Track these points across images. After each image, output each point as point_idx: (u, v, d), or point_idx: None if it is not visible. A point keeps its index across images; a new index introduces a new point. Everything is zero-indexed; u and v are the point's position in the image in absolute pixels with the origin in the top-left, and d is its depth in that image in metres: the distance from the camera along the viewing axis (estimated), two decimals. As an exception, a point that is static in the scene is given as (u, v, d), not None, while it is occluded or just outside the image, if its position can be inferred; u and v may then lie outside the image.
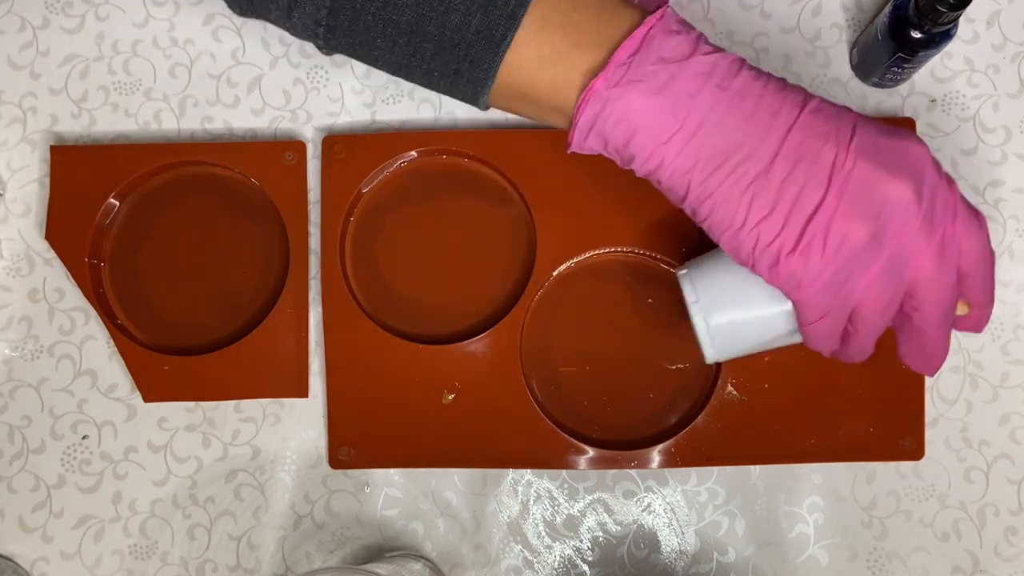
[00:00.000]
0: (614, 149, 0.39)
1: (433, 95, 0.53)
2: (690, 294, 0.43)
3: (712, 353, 0.44)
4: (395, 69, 0.41)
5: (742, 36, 0.53)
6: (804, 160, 0.37)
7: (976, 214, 0.39)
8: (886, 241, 0.37)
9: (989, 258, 0.40)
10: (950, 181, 0.38)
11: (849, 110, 0.38)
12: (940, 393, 0.50)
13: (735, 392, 0.50)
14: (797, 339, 0.42)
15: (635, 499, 0.50)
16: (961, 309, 0.41)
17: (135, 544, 0.50)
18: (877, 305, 0.38)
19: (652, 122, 0.37)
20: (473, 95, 0.40)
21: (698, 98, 0.37)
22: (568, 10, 0.38)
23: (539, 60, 0.38)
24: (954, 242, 0.38)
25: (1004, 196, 0.52)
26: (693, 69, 0.37)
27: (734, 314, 0.43)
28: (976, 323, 0.42)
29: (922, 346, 0.41)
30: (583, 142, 0.39)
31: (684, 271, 0.44)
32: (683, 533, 0.50)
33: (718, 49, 0.38)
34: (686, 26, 0.38)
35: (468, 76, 0.39)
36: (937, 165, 0.38)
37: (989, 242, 0.40)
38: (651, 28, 0.37)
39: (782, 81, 0.38)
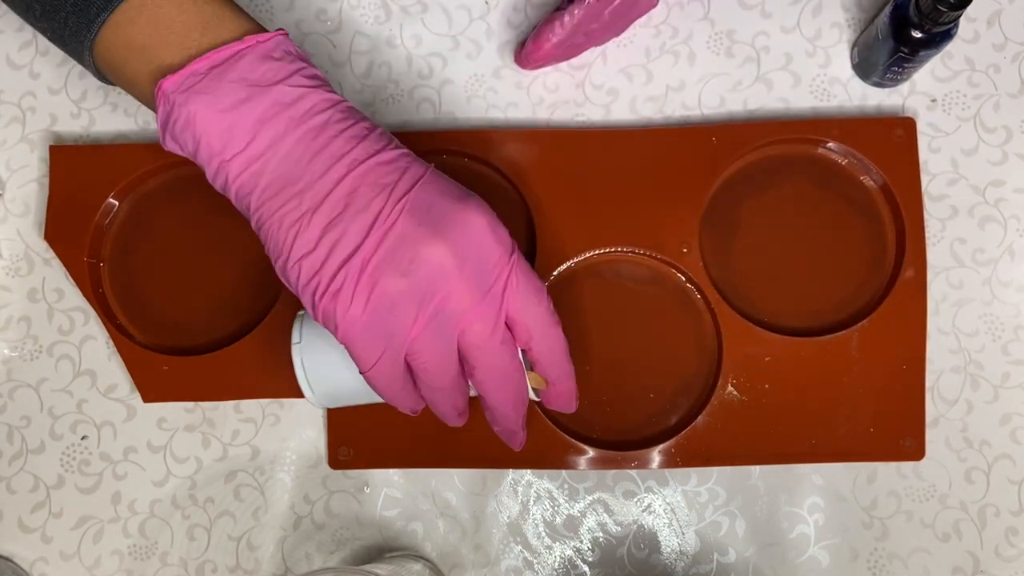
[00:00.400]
0: (190, 155, 0.39)
1: (433, 95, 0.53)
2: (295, 335, 0.44)
3: (311, 396, 0.44)
4: (26, 22, 0.44)
5: (742, 36, 0.53)
6: (353, 206, 0.37)
7: (536, 287, 0.40)
8: (428, 298, 0.37)
9: (551, 332, 0.40)
10: (511, 251, 0.39)
11: (423, 167, 0.39)
12: (941, 393, 0.50)
13: (735, 392, 0.49)
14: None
15: (635, 499, 0.50)
16: (538, 383, 0.42)
17: (134, 544, 0.50)
18: (427, 359, 0.38)
19: (215, 138, 0.38)
20: (83, 63, 0.41)
21: (268, 125, 0.38)
22: (174, 9, 0.39)
23: (128, 48, 0.39)
24: (502, 310, 0.39)
25: (1005, 196, 0.52)
26: (273, 97, 0.38)
27: (329, 360, 0.43)
28: (558, 400, 0.43)
29: (492, 415, 0.42)
30: (164, 142, 0.39)
31: (303, 312, 0.45)
32: (683, 533, 0.50)
33: (320, 87, 0.39)
34: (293, 56, 0.39)
35: (71, 45, 0.41)
36: (495, 232, 0.39)
37: (551, 316, 0.40)
38: (244, 48, 0.38)
39: (373, 129, 0.39)
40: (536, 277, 0.40)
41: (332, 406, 0.45)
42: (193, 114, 0.37)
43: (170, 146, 0.39)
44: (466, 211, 0.38)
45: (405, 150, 0.39)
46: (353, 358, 0.39)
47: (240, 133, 0.38)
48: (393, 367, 0.39)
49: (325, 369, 0.43)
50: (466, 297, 0.38)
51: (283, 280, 0.39)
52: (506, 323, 0.39)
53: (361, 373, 0.39)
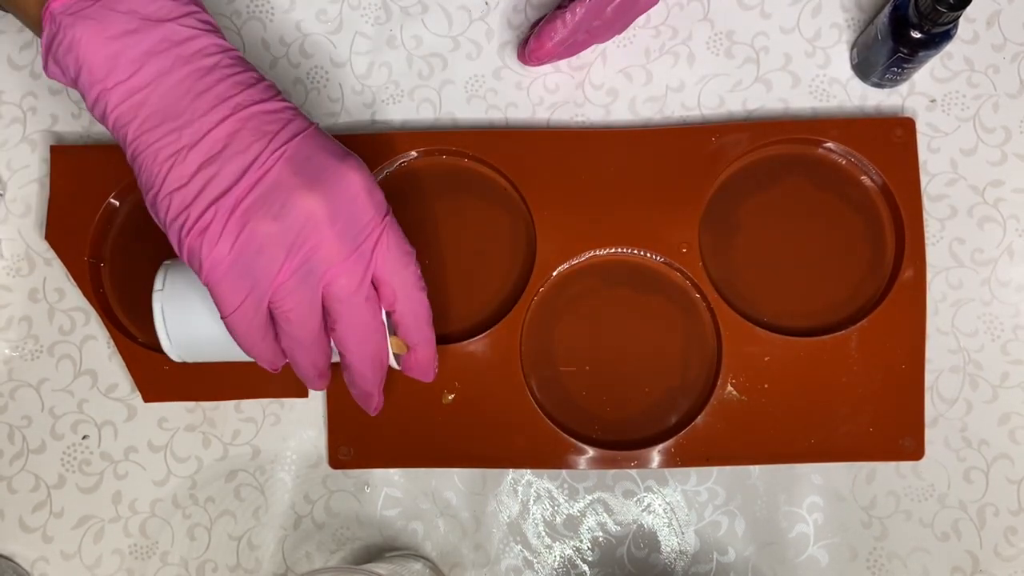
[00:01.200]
0: (71, 81, 0.39)
1: (433, 95, 0.53)
2: (158, 282, 0.43)
3: (169, 347, 0.43)
4: None
5: (742, 36, 0.53)
6: (231, 147, 0.38)
7: (406, 251, 0.41)
8: (297, 247, 0.38)
9: (416, 295, 0.41)
10: (385, 212, 0.40)
11: (306, 122, 0.40)
12: (940, 393, 0.50)
13: (735, 392, 0.50)
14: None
15: (635, 499, 0.50)
16: (399, 347, 0.43)
17: (135, 544, 0.50)
18: (289, 307, 0.39)
19: (98, 65, 0.38)
20: None
21: (155, 59, 0.38)
22: None
23: None
24: (369, 267, 0.39)
25: (1004, 196, 0.52)
26: (163, 33, 0.38)
27: (192, 310, 0.42)
28: (419, 366, 0.44)
29: (351, 375, 0.42)
30: (47, 66, 0.39)
31: (169, 262, 0.44)
32: (683, 533, 0.50)
33: (212, 32, 0.39)
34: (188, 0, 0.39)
35: None
36: (370, 192, 0.39)
37: (418, 280, 0.41)
38: None
39: (260, 80, 0.40)
40: (407, 241, 0.41)
41: (191, 360, 0.45)
42: (78, 38, 0.37)
43: (52, 71, 0.39)
44: (343, 167, 0.39)
45: (291, 104, 0.40)
46: (215, 300, 0.39)
47: (125, 63, 0.38)
48: (255, 313, 0.39)
49: (186, 319, 0.43)
50: (335, 250, 0.38)
51: (152, 214, 0.39)
52: (373, 283, 0.40)
53: (222, 318, 0.39)
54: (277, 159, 0.38)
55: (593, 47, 0.52)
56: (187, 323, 0.43)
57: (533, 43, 0.50)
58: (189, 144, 0.38)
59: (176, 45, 0.38)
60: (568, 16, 0.48)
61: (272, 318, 0.40)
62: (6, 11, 0.43)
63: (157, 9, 0.38)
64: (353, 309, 0.40)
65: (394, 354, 0.43)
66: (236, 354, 0.43)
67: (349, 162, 0.39)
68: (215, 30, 0.40)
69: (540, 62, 0.51)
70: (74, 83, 0.39)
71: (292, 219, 0.38)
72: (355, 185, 0.39)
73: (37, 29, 0.40)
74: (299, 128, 0.39)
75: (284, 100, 0.40)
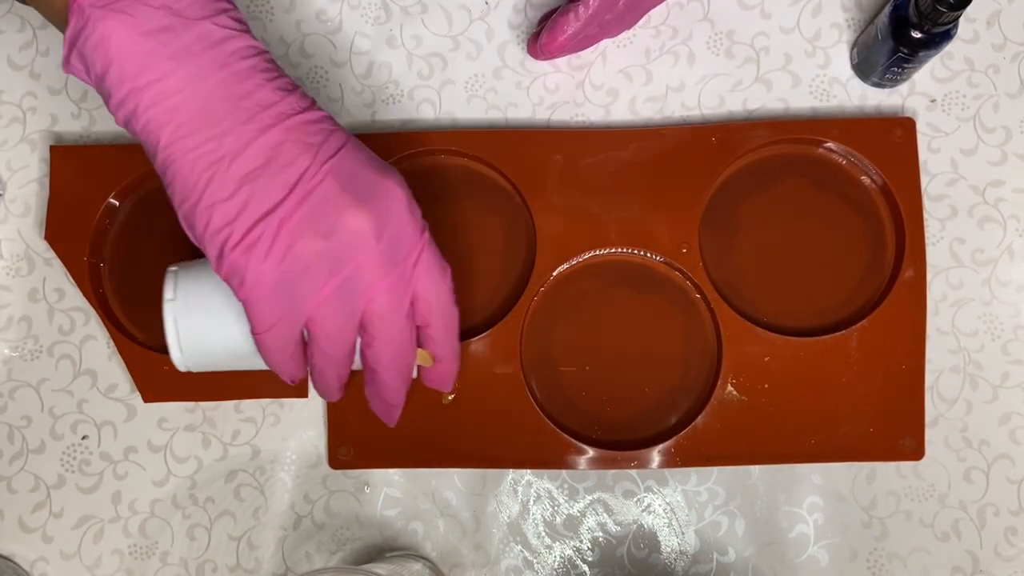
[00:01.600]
0: (96, 78, 0.37)
1: (433, 95, 0.53)
2: (168, 291, 0.42)
3: (179, 357, 0.42)
4: None
5: (742, 36, 0.53)
6: (277, 160, 0.36)
7: (443, 267, 0.40)
8: (342, 264, 0.37)
9: (450, 311, 0.41)
10: (423, 228, 0.39)
11: (346, 133, 0.38)
12: (940, 393, 0.50)
13: (735, 392, 0.50)
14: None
15: (635, 499, 0.50)
16: (424, 360, 0.42)
17: (135, 544, 0.50)
18: (328, 326, 0.38)
19: (131, 61, 0.35)
20: None
21: (191, 60, 0.36)
22: None
23: None
24: (410, 285, 0.39)
25: (1004, 196, 0.52)
26: (197, 32, 0.36)
27: (206, 320, 0.41)
28: (441, 378, 0.44)
29: (379, 389, 0.42)
30: (68, 61, 0.37)
31: (175, 268, 0.43)
32: (683, 533, 0.50)
33: (246, 32, 0.37)
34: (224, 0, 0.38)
35: None
36: (412, 209, 0.39)
37: (452, 296, 0.41)
38: None
39: (296, 87, 0.38)
40: (442, 257, 0.41)
41: (199, 370, 0.43)
42: (108, 32, 0.35)
43: (73, 66, 0.37)
44: (388, 183, 0.38)
45: (328, 113, 0.39)
46: (251, 317, 0.37)
47: (158, 61, 0.35)
48: (291, 330, 0.38)
49: (201, 331, 0.41)
50: (378, 268, 0.38)
51: (184, 225, 0.37)
52: (411, 299, 0.40)
53: (255, 334, 0.38)
54: (325, 175, 0.37)
55: (594, 46, 0.52)
56: (202, 336, 0.42)
57: (546, 37, 0.50)
58: (231, 154, 0.36)
59: (212, 46, 0.36)
60: (581, 10, 0.48)
61: (306, 334, 0.39)
62: (26, 3, 0.41)
63: (190, 3, 0.36)
64: (393, 326, 0.39)
65: (417, 365, 0.43)
66: (249, 365, 0.42)
67: (392, 177, 0.39)
68: (248, 30, 0.38)
69: (552, 56, 0.51)
70: (99, 80, 0.36)
71: (341, 237, 0.37)
72: (400, 202, 0.38)
73: (59, 21, 0.37)
74: (341, 140, 0.38)
75: (321, 109, 0.39)
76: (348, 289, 0.37)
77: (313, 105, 0.38)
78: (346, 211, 0.37)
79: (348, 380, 0.42)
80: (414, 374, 0.43)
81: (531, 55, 0.52)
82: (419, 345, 0.42)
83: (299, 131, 0.37)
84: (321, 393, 0.42)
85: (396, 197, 0.38)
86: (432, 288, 0.40)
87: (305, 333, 0.39)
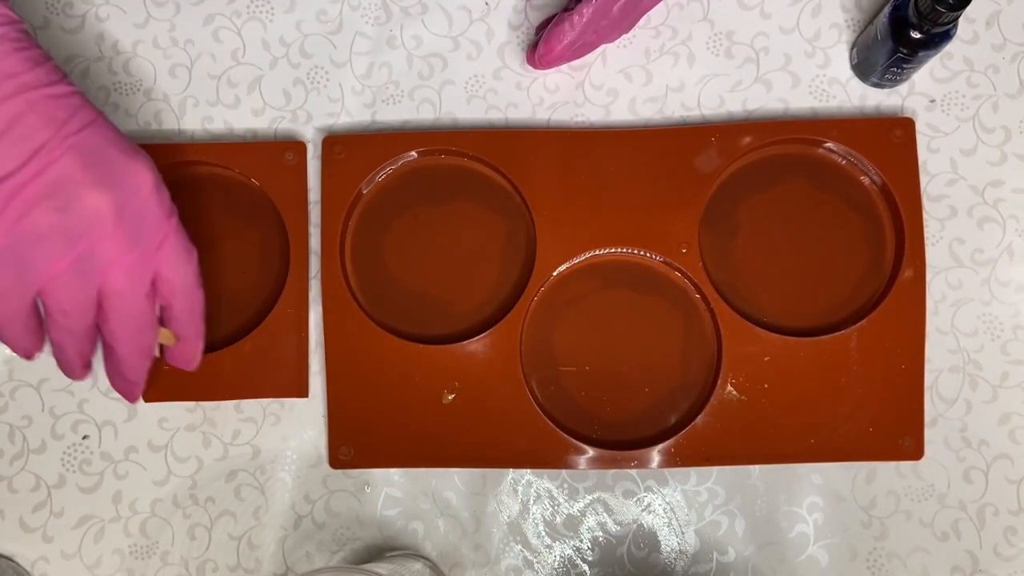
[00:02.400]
0: None
1: (433, 95, 0.53)
2: None
3: None
4: None
5: (742, 36, 0.53)
6: (14, 131, 0.37)
7: (189, 250, 0.41)
8: (77, 240, 0.37)
9: (193, 292, 0.42)
10: (171, 212, 0.40)
11: (95, 111, 0.39)
12: (940, 393, 0.50)
13: (735, 392, 0.50)
14: None
15: (635, 499, 0.50)
16: (167, 339, 0.44)
17: (135, 544, 0.50)
18: (63, 300, 0.38)
19: None
20: None
21: None
22: None
23: None
24: (151, 266, 0.39)
25: (1004, 196, 0.52)
26: None
27: None
28: (184, 357, 0.45)
29: (117, 365, 0.42)
30: None
31: None
32: (683, 533, 0.50)
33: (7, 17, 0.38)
34: None
35: None
36: (159, 193, 0.39)
37: (197, 279, 0.42)
38: None
39: (48, 59, 0.38)
40: (188, 240, 0.41)
41: None
42: None
43: None
44: (135, 165, 0.39)
45: (77, 88, 0.39)
46: None
47: None
48: (21, 301, 0.39)
49: None
50: (116, 247, 0.38)
51: None
52: (152, 279, 0.40)
53: None
54: (66, 150, 0.37)
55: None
56: None
57: (543, 47, 0.50)
58: None
59: None
60: (576, 18, 0.48)
61: (40, 308, 0.39)
62: None
63: None
64: (130, 304, 0.40)
65: (159, 343, 0.44)
66: None
67: (140, 160, 0.39)
68: (13, 16, 0.38)
69: (551, 66, 0.51)
70: None
71: (78, 214, 0.37)
72: (145, 184, 0.39)
73: None
74: (88, 117, 0.38)
75: (71, 84, 0.39)
76: (84, 265, 0.38)
77: (63, 79, 0.39)
78: (85, 188, 0.37)
79: (92, 359, 0.43)
80: (156, 353, 0.44)
81: (530, 65, 0.52)
82: (163, 324, 0.43)
83: (43, 104, 0.37)
84: (63, 370, 0.43)
85: (142, 179, 0.39)
86: (176, 270, 0.41)
87: (42, 308, 0.40)
